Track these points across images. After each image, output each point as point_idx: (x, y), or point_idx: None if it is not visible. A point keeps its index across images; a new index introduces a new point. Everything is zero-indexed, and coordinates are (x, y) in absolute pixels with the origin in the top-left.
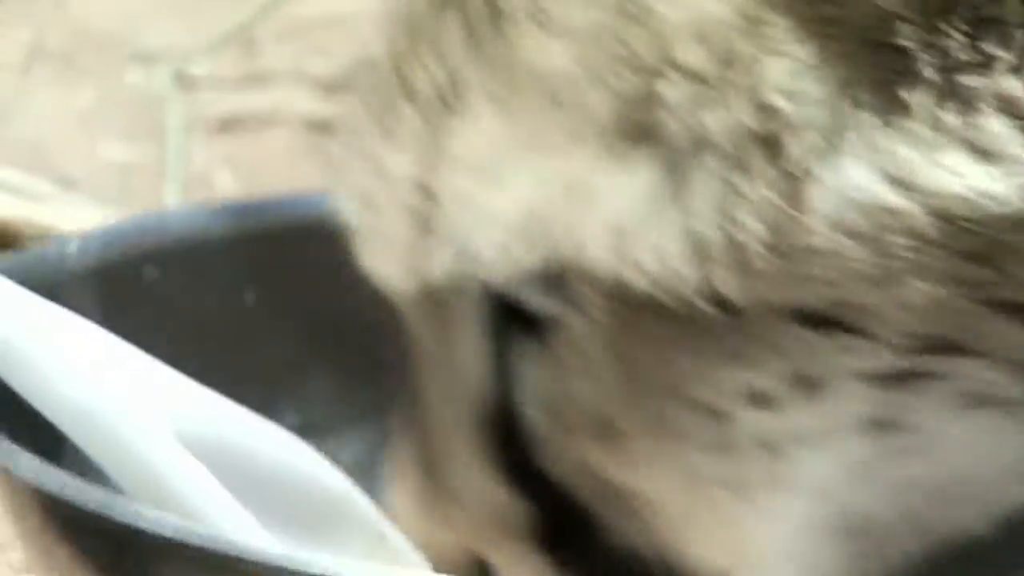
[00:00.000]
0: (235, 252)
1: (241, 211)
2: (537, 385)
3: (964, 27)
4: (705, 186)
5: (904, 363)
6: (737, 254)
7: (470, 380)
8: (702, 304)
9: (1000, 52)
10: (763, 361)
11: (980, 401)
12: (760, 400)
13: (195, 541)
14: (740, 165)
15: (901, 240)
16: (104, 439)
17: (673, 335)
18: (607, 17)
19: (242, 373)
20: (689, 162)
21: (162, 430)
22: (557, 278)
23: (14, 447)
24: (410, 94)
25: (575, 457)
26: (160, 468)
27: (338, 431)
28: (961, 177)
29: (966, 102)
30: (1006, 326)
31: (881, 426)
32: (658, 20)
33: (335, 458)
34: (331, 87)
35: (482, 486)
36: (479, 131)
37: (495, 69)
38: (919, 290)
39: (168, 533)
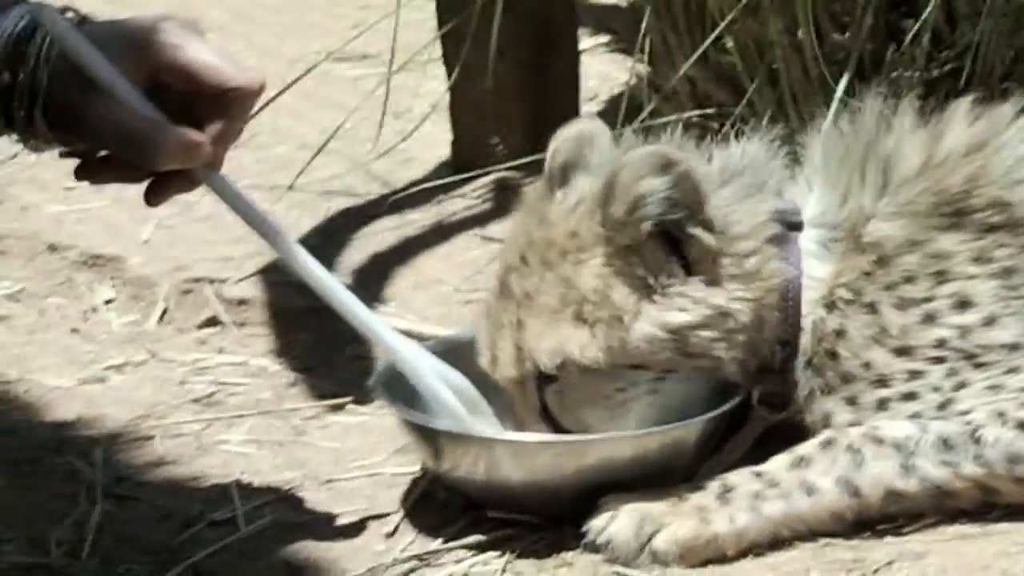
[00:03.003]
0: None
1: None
2: (553, 399)
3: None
4: (598, 333)
5: (660, 373)
6: (607, 354)
7: (533, 401)
8: (602, 365)
9: (676, 285)
10: (627, 378)
11: (679, 379)
12: (622, 390)
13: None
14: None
15: (663, 340)
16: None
17: (600, 373)
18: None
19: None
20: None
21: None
22: (559, 366)
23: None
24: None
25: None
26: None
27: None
28: (673, 317)
29: (667, 294)
30: (686, 360)
31: (653, 390)
32: (574, 286)
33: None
34: None
35: (535, 415)
36: (533, 326)
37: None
38: (663, 355)
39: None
